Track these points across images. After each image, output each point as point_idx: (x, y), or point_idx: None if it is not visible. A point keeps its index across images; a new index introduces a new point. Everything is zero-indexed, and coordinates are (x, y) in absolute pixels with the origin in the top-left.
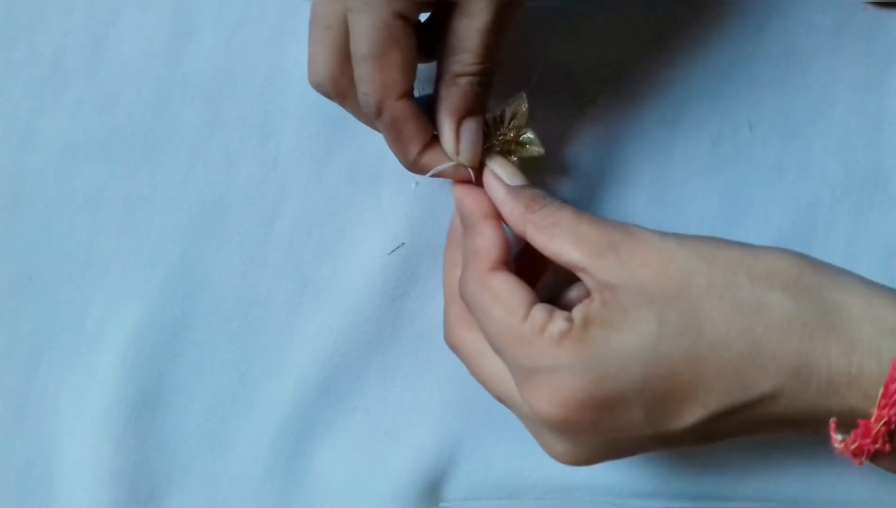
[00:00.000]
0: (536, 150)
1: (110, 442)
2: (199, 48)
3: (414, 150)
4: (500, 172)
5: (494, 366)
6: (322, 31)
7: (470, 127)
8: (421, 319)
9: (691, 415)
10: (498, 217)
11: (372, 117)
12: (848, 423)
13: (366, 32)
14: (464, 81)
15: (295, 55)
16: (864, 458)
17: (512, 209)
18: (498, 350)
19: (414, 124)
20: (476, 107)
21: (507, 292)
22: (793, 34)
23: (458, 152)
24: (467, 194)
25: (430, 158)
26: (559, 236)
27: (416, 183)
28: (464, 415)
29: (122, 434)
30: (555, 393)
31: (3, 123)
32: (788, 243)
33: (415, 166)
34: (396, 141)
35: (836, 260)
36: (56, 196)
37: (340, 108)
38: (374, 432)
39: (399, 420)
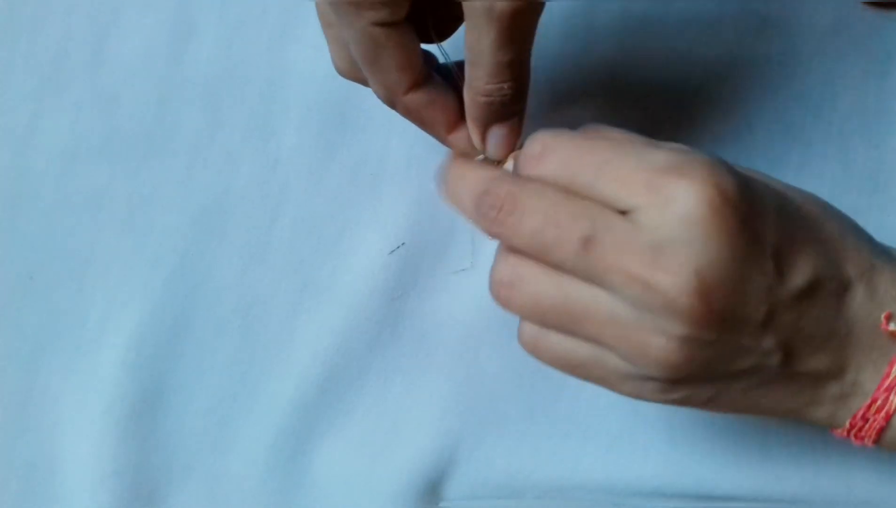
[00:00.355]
0: None
1: (111, 442)
2: (199, 48)
3: (440, 133)
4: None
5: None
6: (327, 28)
7: (497, 133)
8: (421, 319)
9: (803, 269)
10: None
11: (391, 108)
12: None
13: (352, 43)
14: (482, 99)
15: (295, 55)
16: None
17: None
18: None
19: (431, 111)
20: (503, 117)
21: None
22: (793, 34)
23: (485, 151)
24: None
25: (459, 140)
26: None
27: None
28: (464, 415)
29: (122, 434)
30: (710, 187)
31: (3, 123)
32: None
33: (450, 146)
34: (421, 127)
35: None
36: (57, 196)
37: (341, 108)
38: (374, 432)
39: (399, 420)
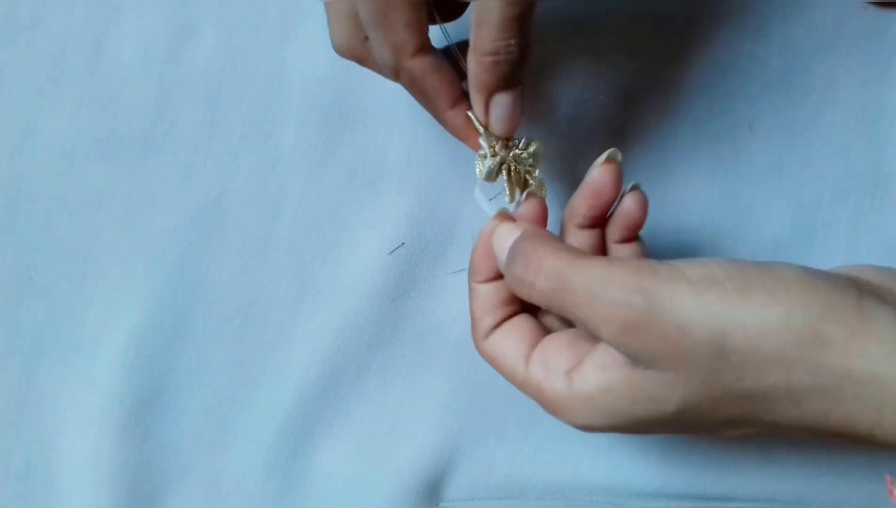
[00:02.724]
0: (540, 190)
1: (110, 442)
2: (198, 48)
3: (442, 106)
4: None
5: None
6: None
7: (500, 101)
8: (421, 319)
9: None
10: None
11: (394, 80)
12: None
13: (361, 2)
14: (488, 59)
15: (295, 55)
16: None
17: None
18: None
19: (436, 79)
20: (507, 82)
21: (501, 356)
22: (793, 34)
23: (488, 125)
24: (475, 251)
25: (459, 116)
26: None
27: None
28: (464, 415)
29: (122, 434)
30: (568, 412)
31: (3, 123)
32: (788, 242)
33: (448, 126)
34: (423, 100)
35: (837, 260)
36: (56, 196)
37: (340, 108)
38: (374, 432)
39: (399, 420)
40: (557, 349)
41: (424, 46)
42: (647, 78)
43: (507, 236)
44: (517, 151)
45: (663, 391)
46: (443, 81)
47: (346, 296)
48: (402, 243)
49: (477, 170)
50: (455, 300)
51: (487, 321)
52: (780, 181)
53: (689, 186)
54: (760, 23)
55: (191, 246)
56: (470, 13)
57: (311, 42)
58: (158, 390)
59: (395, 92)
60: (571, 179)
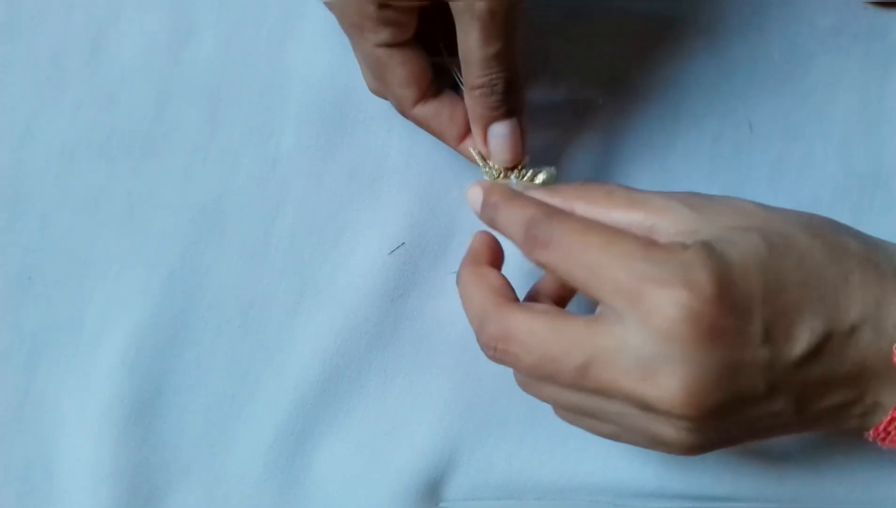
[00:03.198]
0: (550, 176)
1: (110, 442)
2: (199, 48)
3: (451, 140)
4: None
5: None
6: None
7: (496, 132)
8: (421, 319)
9: (801, 338)
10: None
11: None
12: None
13: (358, 57)
14: (476, 92)
15: (295, 55)
16: None
17: (555, 200)
18: (598, 292)
19: (439, 122)
20: (500, 112)
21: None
22: (793, 34)
23: (489, 156)
24: (478, 238)
25: (470, 146)
26: (616, 203)
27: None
28: (464, 415)
29: (122, 434)
30: (686, 290)
31: (3, 123)
32: None
33: (462, 155)
34: (433, 134)
35: None
36: (56, 196)
37: (340, 108)
38: (374, 432)
39: (399, 421)
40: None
41: (425, 96)
42: (646, 78)
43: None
44: (525, 180)
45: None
46: (445, 122)
47: (346, 296)
48: (402, 243)
49: None
50: (455, 300)
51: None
52: (780, 181)
53: (689, 186)
54: (761, 23)
55: (191, 246)
56: None
57: (311, 42)
58: (158, 390)
59: None
60: (570, 180)
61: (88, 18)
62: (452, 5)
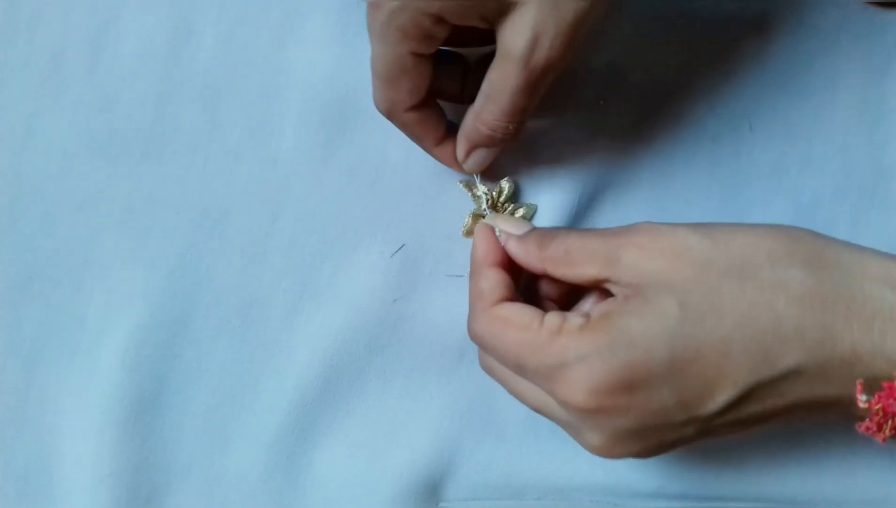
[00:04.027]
0: (529, 210)
1: (110, 442)
2: (199, 48)
3: (427, 146)
4: (507, 228)
5: (525, 382)
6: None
7: (480, 154)
8: (421, 320)
9: (721, 396)
10: (502, 265)
11: (385, 117)
12: (873, 390)
13: (380, 57)
14: (484, 130)
15: (295, 55)
16: (887, 430)
17: (527, 254)
18: (522, 370)
19: (422, 128)
20: (492, 145)
21: (516, 313)
22: (793, 34)
23: (463, 164)
24: (479, 242)
25: (444, 152)
26: (574, 261)
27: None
28: (464, 416)
29: (121, 434)
30: (585, 381)
31: (3, 123)
32: None
33: (435, 157)
34: (410, 137)
35: None
36: (56, 196)
37: (340, 108)
38: (373, 432)
39: (399, 421)
40: (577, 305)
41: (418, 105)
42: (646, 79)
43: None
44: (506, 212)
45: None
46: (430, 129)
47: (346, 296)
48: (403, 245)
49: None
50: (455, 301)
51: (497, 292)
52: (780, 181)
53: (689, 186)
54: (761, 23)
55: (191, 246)
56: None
57: (311, 42)
58: (158, 390)
59: None
60: (570, 180)
61: (88, 18)
62: (502, 43)
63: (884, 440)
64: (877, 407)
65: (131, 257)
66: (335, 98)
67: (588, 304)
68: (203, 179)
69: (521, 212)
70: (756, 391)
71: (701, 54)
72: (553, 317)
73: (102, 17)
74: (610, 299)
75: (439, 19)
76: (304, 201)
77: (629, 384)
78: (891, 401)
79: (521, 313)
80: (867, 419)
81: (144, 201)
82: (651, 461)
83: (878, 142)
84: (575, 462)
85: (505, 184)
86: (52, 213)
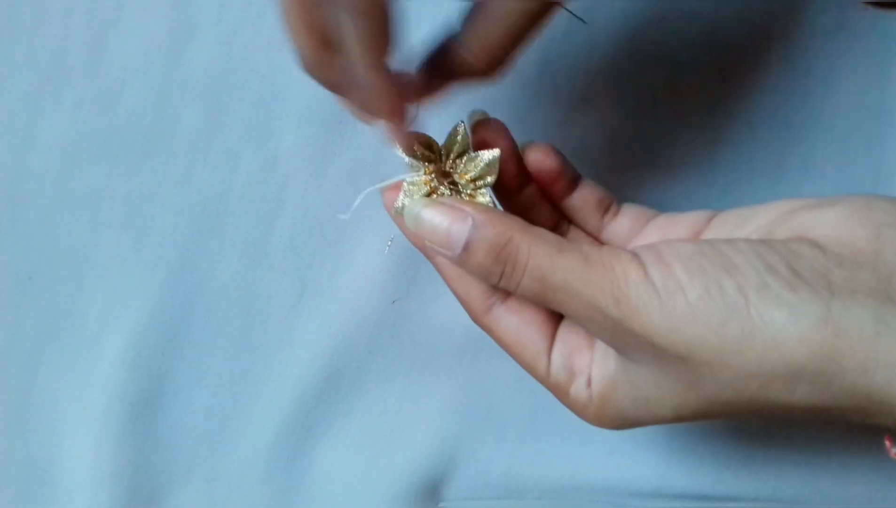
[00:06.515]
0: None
1: (110, 442)
2: (199, 48)
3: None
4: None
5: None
6: None
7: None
8: (421, 320)
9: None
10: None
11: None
12: None
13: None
14: (470, 59)
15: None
16: None
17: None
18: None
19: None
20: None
21: (514, 338)
22: (793, 34)
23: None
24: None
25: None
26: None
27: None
28: (464, 416)
29: (122, 434)
30: (595, 422)
31: (3, 123)
32: None
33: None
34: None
35: None
36: (56, 196)
37: (340, 108)
38: (373, 432)
39: (399, 421)
40: (579, 348)
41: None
42: (646, 79)
43: (451, 221)
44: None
45: (656, 394)
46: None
47: (346, 296)
48: (393, 238)
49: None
50: (455, 301)
51: (485, 301)
52: (780, 181)
53: (689, 186)
54: (761, 23)
55: (191, 246)
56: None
57: None
58: (158, 390)
59: None
60: None
61: (88, 18)
62: None
63: None
64: None
65: (131, 256)
66: (335, 98)
67: (584, 361)
68: (203, 178)
69: (482, 165)
70: (774, 383)
71: (700, 54)
72: (560, 373)
73: (102, 17)
74: (604, 363)
75: None
76: (303, 201)
77: (634, 423)
78: None
79: (525, 347)
80: None
81: (144, 201)
82: (651, 460)
83: (878, 142)
84: (575, 462)
85: (461, 128)
86: (52, 213)
